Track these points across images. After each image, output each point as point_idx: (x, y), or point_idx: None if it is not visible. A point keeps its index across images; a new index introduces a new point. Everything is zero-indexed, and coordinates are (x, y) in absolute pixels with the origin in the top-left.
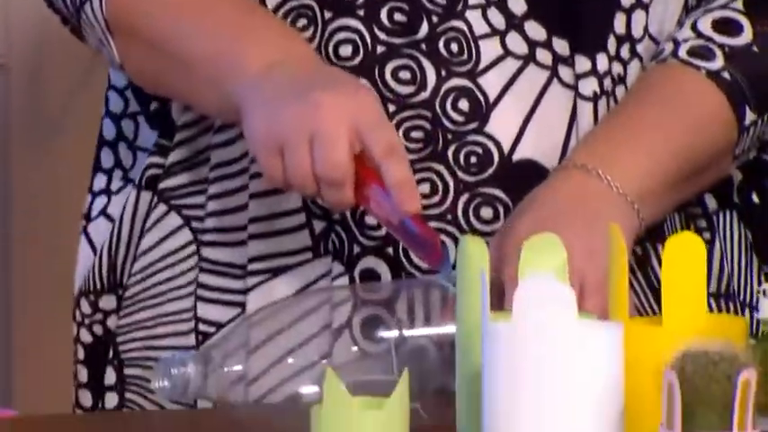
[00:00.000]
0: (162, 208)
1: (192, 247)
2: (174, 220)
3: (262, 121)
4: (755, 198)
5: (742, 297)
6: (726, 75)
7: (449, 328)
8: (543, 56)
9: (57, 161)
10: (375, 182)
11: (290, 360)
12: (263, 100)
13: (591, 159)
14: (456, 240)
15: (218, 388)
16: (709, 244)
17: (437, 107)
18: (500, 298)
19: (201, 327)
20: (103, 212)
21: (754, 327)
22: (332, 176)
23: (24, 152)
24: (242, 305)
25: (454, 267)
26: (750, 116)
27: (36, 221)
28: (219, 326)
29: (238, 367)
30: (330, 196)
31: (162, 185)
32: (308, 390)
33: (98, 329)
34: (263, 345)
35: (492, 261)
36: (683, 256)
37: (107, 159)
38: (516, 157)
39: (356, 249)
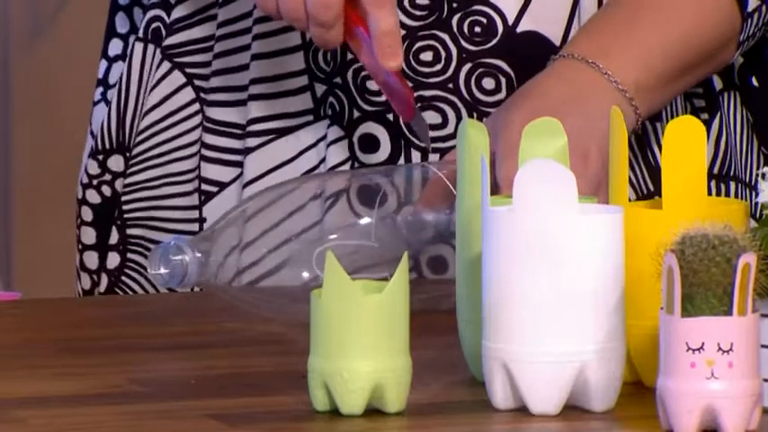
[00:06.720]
0: (166, 65)
1: (196, 106)
2: (178, 77)
3: None
4: (755, 81)
5: (741, 177)
6: None
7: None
8: None
9: (55, 46)
10: (363, 26)
11: (288, 245)
12: None
13: (590, 51)
14: (457, 110)
15: (216, 274)
16: (707, 124)
17: None
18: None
19: (204, 186)
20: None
21: (755, 210)
22: (321, 17)
23: (23, 40)
24: (243, 165)
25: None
26: (753, 2)
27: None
28: (221, 185)
29: (236, 253)
30: (318, 35)
31: (166, 42)
32: (309, 273)
33: (106, 190)
34: (261, 230)
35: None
36: (684, 139)
37: (122, 24)
38: (520, 28)
39: (356, 114)
